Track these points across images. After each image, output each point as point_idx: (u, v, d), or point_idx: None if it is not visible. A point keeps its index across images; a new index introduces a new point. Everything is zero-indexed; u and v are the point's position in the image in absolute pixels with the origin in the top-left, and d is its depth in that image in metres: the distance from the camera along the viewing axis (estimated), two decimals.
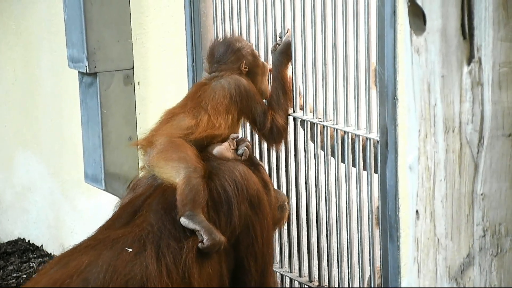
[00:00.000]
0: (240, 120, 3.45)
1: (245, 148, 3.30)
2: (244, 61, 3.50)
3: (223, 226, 3.10)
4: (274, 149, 3.55)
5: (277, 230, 3.53)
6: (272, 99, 3.51)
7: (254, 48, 3.59)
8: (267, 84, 3.57)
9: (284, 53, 3.48)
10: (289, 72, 3.51)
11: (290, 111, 3.51)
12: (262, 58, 3.60)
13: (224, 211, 3.11)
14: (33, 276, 3.26)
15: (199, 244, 2.99)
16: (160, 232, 2.99)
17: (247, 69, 3.50)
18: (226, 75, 3.46)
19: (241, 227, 3.14)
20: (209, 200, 3.10)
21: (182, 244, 2.99)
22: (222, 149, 3.28)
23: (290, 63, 3.50)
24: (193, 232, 3.01)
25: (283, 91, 3.48)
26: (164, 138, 3.24)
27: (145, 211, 3.07)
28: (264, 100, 3.53)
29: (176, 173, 3.11)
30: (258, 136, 3.57)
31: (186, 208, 3.02)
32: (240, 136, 3.35)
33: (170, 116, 3.38)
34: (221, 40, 3.60)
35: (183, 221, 3.02)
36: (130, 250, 2.91)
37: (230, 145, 3.30)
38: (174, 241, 2.98)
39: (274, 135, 3.48)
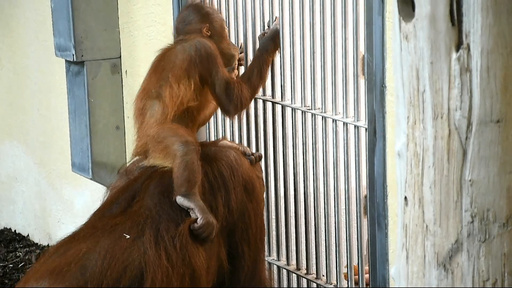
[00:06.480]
0: (204, 85, 3.36)
1: (254, 157, 3.33)
2: (208, 25, 3.48)
3: (221, 210, 3.10)
4: (229, 119, 3.53)
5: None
6: (245, 73, 3.48)
7: (223, 18, 3.56)
8: (233, 49, 3.52)
9: (271, 40, 3.47)
10: (272, 60, 3.49)
11: (259, 94, 3.49)
12: (249, 48, 3.59)
13: (221, 195, 3.12)
14: (31, 265, 3.25)
15: (192, 225, 2.99)
16: (159, 216, 2.99)
17: (209, 33, 3.47)
18: (191, 38, 3.41)
19: (238, 212, 3.15)
20: (206, 184, 3.10)
21: (181, 226, 2.99)
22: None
23: (276, 51, 3.49)
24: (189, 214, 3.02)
25: (259, 70, 3.44)
26: (153, 131, 3.24)
27: (142, 196, 3.06)
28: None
29: (171, 156, 3.12)
30: (216, 102, 3.43)
31: (182, 188, 3.03)
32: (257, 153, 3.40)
33: (142, 104, 3.33)
34: (189, 4, 3.58)
35: (179, 199, 3.03)
36: (128, 236, 2.91)
37: (239, 148, 3.32)
38: (173, 225, 2.98)
39: (234, 104, 3.37)
